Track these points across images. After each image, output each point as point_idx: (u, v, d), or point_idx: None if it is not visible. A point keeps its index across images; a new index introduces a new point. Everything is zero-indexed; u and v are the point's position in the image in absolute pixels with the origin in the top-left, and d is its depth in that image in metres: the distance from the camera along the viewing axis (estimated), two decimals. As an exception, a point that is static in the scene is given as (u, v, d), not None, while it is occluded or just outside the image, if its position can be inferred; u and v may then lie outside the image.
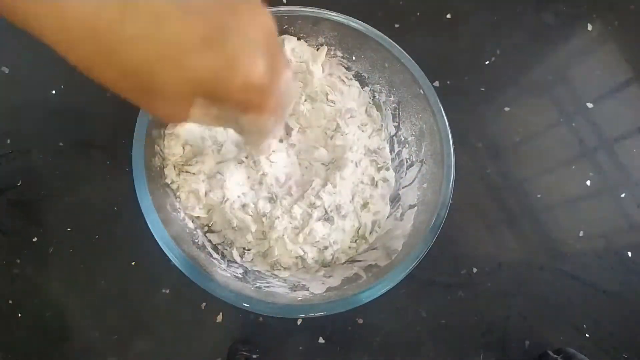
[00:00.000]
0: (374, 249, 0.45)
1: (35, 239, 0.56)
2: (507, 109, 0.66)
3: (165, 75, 0.19)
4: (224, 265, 0.41)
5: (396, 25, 0.66)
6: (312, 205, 0.44)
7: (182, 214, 0.43)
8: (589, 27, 0.70)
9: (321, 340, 0.56)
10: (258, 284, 0.40)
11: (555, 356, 0.55)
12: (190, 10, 0.18)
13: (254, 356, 0.55)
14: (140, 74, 0.19)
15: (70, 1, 0.17)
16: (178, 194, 0.44)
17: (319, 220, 0.44)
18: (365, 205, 0.47)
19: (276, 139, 0.38)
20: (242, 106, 0.24)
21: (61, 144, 0.59)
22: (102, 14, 0.17)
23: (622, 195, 0.64)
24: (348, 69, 0.50)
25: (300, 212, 0.44)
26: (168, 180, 0.43)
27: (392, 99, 0.48)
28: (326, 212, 0.44)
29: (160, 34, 0.18)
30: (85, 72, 0.19)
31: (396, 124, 0.48)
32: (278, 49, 0.25)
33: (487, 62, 0.67)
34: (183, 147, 0.44)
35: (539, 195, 0.63)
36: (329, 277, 0.43)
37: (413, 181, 0.46)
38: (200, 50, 0.19)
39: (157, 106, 0.22)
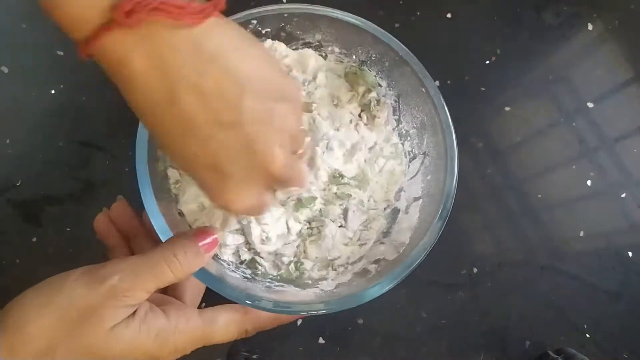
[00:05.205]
0: (381, 243, 0.45)
1: (34, 239, 0.56)
2: (507, 108, 0.66)
3: None
4: (232, 267, 0.41)
5: (396, 25, 0.66)
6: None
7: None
8: (590, 27, 0.70)
9: (321, 340, 0.56)
10: (267, 284, 0.40)
11: (556, 356, 0.55)
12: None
13: (254, 356, 0.55)
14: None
15: None
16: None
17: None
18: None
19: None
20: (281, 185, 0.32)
21: (61, 143, 0.59)
22: None
23: (623, 195, 0.64)
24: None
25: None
26: (172, 181, 0.43)
27: (391, 92, 0.48)
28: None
29: None
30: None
31: (397, 117, 0.48)
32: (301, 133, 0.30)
33: (487, 62, 0.67)
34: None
35: (539, 195, 0.63)
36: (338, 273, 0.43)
37: (417, 173, 0.46)
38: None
39: None
